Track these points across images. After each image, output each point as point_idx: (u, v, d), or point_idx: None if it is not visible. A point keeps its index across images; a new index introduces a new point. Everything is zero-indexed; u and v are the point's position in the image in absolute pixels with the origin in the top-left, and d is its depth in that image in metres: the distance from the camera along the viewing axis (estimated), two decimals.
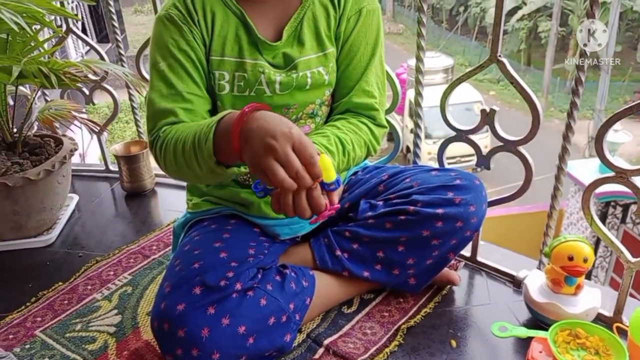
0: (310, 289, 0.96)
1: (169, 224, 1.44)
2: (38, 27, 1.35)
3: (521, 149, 1.06)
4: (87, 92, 1.66)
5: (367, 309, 1.04)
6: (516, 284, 1.11)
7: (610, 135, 4.05)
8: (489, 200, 1.04)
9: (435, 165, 1.16)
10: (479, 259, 1.17)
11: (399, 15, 19.47)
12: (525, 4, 13.55)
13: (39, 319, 1.10)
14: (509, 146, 1.07)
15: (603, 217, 5.14)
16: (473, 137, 1.12)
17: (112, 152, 1.63)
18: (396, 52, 14.70)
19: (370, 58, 0.99)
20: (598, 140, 0.93)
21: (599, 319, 0.99)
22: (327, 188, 0.72)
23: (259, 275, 0.89)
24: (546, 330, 0.88)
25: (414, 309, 1.04)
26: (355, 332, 0.99)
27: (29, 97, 1.55)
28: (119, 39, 1.64)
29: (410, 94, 8.03)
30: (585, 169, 5.31)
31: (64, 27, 1.59)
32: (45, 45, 1.47)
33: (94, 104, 1.70)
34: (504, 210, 6.15)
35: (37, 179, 1.30)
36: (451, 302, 1.07)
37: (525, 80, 0.99)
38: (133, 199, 1.62)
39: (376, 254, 1.00)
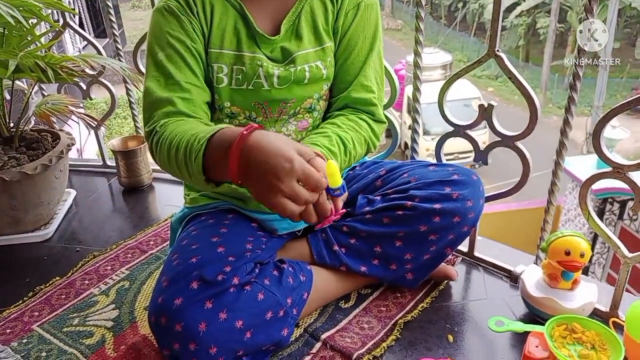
0: (307, 284, 0.96)
1: (166, 219, 1.44)
2: (35, 21, 1.34)
3: (519, 144, 1.06)
4: (84, 86, 1.65)
5: (364, 304, 1.05)
6: (513, 279, 1.11)
7: (608, 132, 4.06)
8: (486, 195, 1.04)
9: (434, 161, 1.16)
10: (476, 254, 1.18)
11: (398, 11, 19.43)
12: (523, 0, 13.54)
13: (37, 313, 1.10)
14: (507, 141, 1.07)
15: (600, 214, 5.16)
16: (471, 133, 1.12)
17: (110, 147, 1.62)
18: (395, 48, 14.68)
19: (369, 52, 0.99)
20: (595, 136, 0.93)
21: (596, 313, 1.00)
22: (332, 194, 0.73)
23: (257, 270, 0.89)
24: (543, 325, 0.88)
25: (411, 303, 1.05)
26: (352, 327, 0.99)
27: (26, 91, 1.54)
28: (117, 33, 1.63)
29: (409, 90, 8.02)
30: (583, 165, 5.32)
31: (61, 22, 1.59)
32: (42, 40, 1.46)
33: (91, 99, 1.69)
34: (502, 206, 6.18)
35: (34, 174, 1.30)
36: (448, 297, 1.07)
37: (524, 76, 0.99)
38: (130, 194, 1.62)
39: (374, 249, 1.01)
